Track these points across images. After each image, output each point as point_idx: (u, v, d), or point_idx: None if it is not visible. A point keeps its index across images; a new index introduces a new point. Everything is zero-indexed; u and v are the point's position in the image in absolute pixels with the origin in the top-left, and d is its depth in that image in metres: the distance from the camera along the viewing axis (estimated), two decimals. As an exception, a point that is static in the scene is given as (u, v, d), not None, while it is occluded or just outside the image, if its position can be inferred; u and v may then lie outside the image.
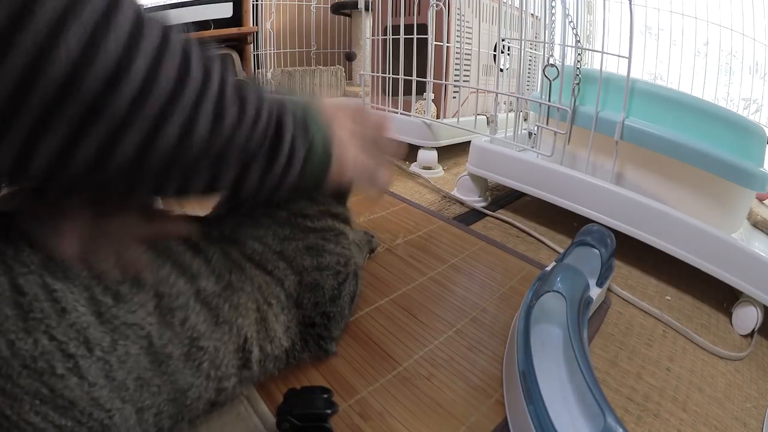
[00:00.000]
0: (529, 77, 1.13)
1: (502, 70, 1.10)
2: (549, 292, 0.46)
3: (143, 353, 0.29)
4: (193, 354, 0.31)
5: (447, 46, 1.09)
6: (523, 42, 0.88)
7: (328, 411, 0.35)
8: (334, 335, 0.44)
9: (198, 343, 0.32)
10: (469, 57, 1.17)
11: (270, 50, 1.68)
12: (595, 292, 0.54)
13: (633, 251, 0.72)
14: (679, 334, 0.57)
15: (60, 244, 0.28)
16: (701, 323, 0.61)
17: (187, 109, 0.25)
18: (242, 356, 0.35)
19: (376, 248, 0.65)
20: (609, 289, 0.64)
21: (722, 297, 0.66)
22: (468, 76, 1.20)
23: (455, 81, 1.14)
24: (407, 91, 1.11)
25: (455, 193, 0.95)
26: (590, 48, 1.29)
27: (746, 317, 0.59)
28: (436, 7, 1.02)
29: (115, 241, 0.31)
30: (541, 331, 0.48)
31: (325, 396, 0.36)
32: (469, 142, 0.91)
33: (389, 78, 1.12)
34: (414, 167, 1.10)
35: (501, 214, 0.87)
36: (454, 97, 1.18)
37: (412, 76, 1.06)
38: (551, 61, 0.80)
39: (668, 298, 0.65)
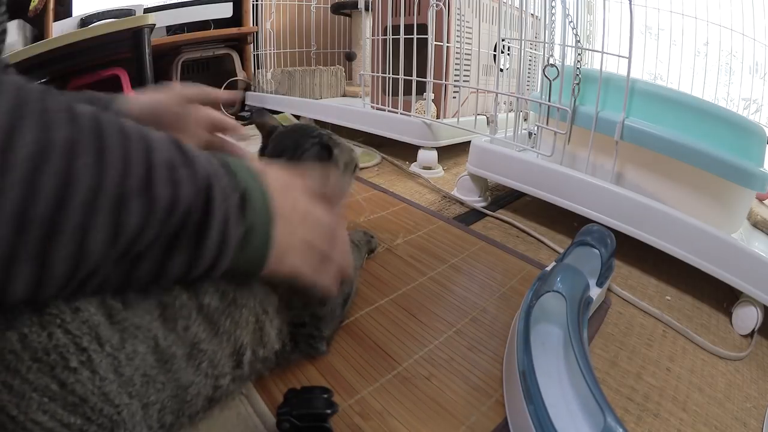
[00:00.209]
0: (529, 77, 1.13)
1: (502, 70, 1.10)
2: (549, 292, 0.46)
3: (150, 352, 0.29)
4: (194, 355, 0.32)
5: (447, 46, 1.09)
6: (523, 42, 0.88)
7: (328, 411, 0.35)
8: (325, 335, 0.44)
9: (199, 346, 0.32)
10: (469, 57, 1.17)
11: (270, 50, 1.68)
12: (595, 292, 0.54)
13: (633, 251, 0.72)
14: (679, 334, 0.57)
15: None
16: (701, 323, 0.61)
17: (74, 225, 0.22)
18: (236, 358, 0.36)
19: (375, 248, 0.65)
20: (609, 289, 0.64)
21: (722, 297, 0.66)
22: (468, 76, 1.20)
23: (455, 81, 1.14)
24: (407, 91, 1.11)
25: (455, 193, 0.95)
26: (590, 48, 1.29)
27: (746, 317, 0.59)
28: (436, 7, 1.02)
29: None
30: (541, 331, 0.48)
31: (325, 396, 0.36)
32: (469, 142, 0.91)
33: (389, 78, 1.12)
34: (414, 167, 1.10)
35: (501, 214, 0.87)
36: (454, 97, 1.18)
37: (412, 76, 1.06)
38: (551, 61, 0.80)
39: (668, 298, 0.65)
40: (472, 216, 0.87)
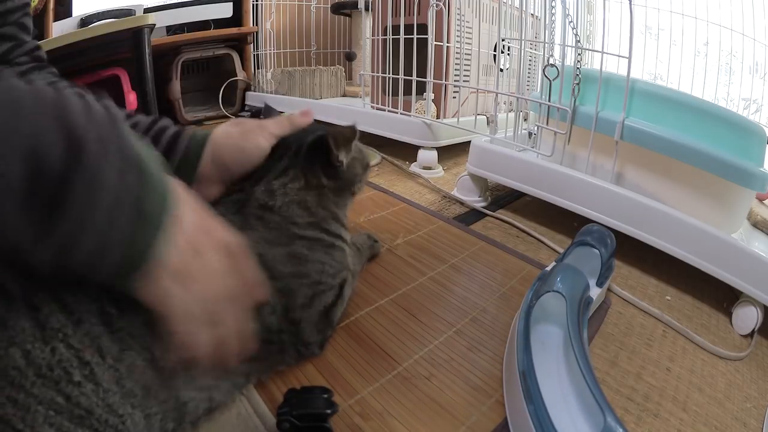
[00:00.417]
0: (529, 77, 1.13)
1: (502, 70, 1.10)
2: (549, 292, 0.46)
3: (148, 366, 0.29)
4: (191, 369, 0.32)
5: (447, 46, 1.09)
6: (523, 42, 0.88)
7: (328, 411, 0.35)
8: (311, 341, 0.43)
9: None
10: (469, 57, 1.17)
11: (270, 50, 1.68)
12: (595, 292, 0.54)
13: (633, 251, 0.72)
14: (679, 334, 0.57)
15: None
16: (701, 323, 0.61)
17: None
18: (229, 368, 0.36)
19: (378, 253, 0.65)
20: (609, 289, 0.64)
21: (722, 297, 0.66)
22: (468, 76, 1.20)
23: (455, 81, 1.14)
24: (407, 91, 1.11)
25: (455, 193, 0.95)
26: (590, 48, 1.29)
27: (746, 317, 0.59)
28: (436, 7, 1.02)
29: None
30: (541, 331, 0.48)
31: (325, 396, 0.36)
32: (469, 142, 0.91)
33: (389, 78, 1.12)
34: (414, 167, 1.10)
35: (501, 214, 0.87)
36: (454, 97, 1.18)
37: (412, 76, 1.06)
38: (551, 61, 0.80)
39: (668, 298, 0.65)
40: (472, 216, 0.87)
